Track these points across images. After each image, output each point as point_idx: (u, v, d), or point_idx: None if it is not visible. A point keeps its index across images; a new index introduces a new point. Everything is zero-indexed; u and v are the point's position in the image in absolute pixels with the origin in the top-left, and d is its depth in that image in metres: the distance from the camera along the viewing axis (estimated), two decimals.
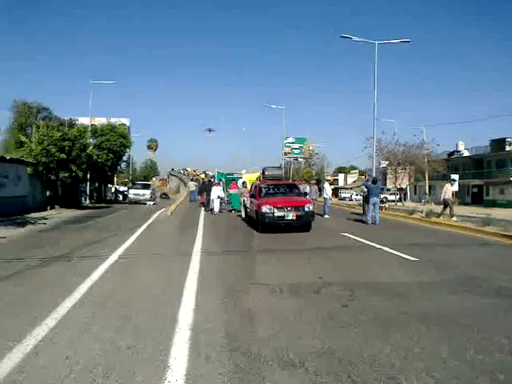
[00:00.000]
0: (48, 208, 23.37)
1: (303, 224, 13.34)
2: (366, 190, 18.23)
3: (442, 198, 18.69)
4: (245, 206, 17.33)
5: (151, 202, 33.85)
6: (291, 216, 12.95)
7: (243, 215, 17.90)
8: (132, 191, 37.61)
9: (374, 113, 27.27)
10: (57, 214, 20.70)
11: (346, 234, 12.85)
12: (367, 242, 11.09)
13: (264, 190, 15.06)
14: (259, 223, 13.50)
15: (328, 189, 20.82)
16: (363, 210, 19.19)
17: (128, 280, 6.89)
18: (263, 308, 5.28)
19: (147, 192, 36.52)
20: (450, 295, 6.00)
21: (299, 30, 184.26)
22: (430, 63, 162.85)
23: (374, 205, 16.84)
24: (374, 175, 22.85)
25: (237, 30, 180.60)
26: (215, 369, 3.55)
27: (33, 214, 19.36)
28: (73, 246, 10.21)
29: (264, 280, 6.84)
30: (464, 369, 3.57)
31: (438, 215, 18.22)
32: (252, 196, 15.30)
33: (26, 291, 6.08)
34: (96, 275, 7.06)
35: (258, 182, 16.27)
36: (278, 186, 15.63)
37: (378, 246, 10.39)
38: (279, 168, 22.79)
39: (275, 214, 12.91)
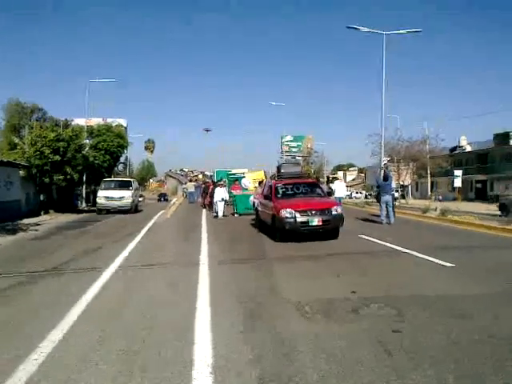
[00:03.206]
0: (42, 213, 22.30)
1: (331, 230, 11.35)
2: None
3: None
4: (256, 209, 15.27)
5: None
6: (316, 221, 10.93)
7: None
8: (103, 193, 23.83)
9: (382, 108, 25.97)
10: (51, 219, 19.67)
11: (363, 237, 11.82)
12: (392, 246, 10.06)
13: (281, 191, 12.87)
14: (277, 230, 11.46)
15: (339, 187, 19.30)
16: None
17: (129, 299, 5.85)
18: (297, 337, 4.25)
19: (127, 194, 23.83)
20: None
21: (300, 24, 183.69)
22: (435, 56, 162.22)
23: (386, 203, 15.83)
24: (384, 172, 21.82)
25: (235, 28, 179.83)
26: None
27: (25, 220, 18.30)
28: (67, 257, 9.20)
29: (288, 295, 5.82)
30: None
31: None
32: (266, 198, 13.30)
33: (7, 317, 5.07)
34: (91, 293, 6.05)
35: (273, 181, 14.01)
36: (297, 185, 13.26)
37: (404, 250, 9.37)
38: (297, 164, 20.59)
39: (297, 220, 10.89)
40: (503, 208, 21.49)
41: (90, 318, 4.98)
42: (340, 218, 11.42)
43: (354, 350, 3.89)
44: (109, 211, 22.97)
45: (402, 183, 47.17)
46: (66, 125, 32.49)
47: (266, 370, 3.51)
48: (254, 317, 4.93)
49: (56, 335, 4.39)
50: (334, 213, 11.22)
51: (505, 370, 3.44)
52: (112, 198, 23.34)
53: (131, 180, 27.81)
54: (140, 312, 5.21)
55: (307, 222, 10.95)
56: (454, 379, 3.30)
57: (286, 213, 11.01)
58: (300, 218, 10.94)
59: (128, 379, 3.41)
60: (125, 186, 24.83)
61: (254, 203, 16.29)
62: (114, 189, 24.10)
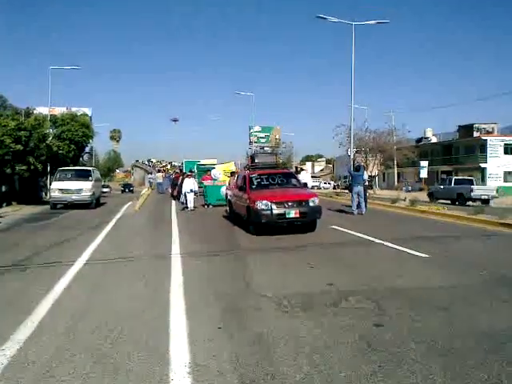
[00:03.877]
0: (4, 205, 21.50)
1: (309, 223, 11.05)
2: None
3: None
4: (229, 201, 14.74)
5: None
6: (293, 213, 10.50)
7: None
8: (57, 185, 20.35)
9: (351, 98, 26.32)
10: (14, 211, 18.94)
11: (335, 227, 11.81)
12: (364, 237, 10.07)
13: (256, 182, 12.28)
14: (252, 223, 11.02)
15: (306, 179, 19.15)
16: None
17: (98, 296, 5.58)
18: (277, 333, 4.09)
19: (86, 185, 20.34)
20: (502, 303, 5.00)
21: (267, 13, 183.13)
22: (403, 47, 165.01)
23: (357, 193, 15.90)
24: (353, 162, 21.97)
25: (203, 15, 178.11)
26: None
27: None
28: (31, 250, 8.81)
29: (265, 290, 5.65)
30: None
31: None
32: (240, 189, 12.72)
33: None
34: (58, 290, 5.75)
35: (247, 171, 13.48)
36: (272, 175, 12.65)
37: (377, 241, 9.38)
38: (272, 154, 20.01)
39: (274, 212, 10.46)
40: (430, 195, 27.18)
41: (58, 316, 4.70)
42: (318, 210, 11.03)
43: (336, 346, 3.77)
44: (66, 205, 20.03)
45: (369, 174, 47.73)
46: (28, 113, 31.39)
47: (247, 369, 3.34)
48: (232, 312, 4.76)
49: (22, 334, 4.12)
50: (311, 204, 10.85)
51: (488, 363, 3.38)
52: (68, 191, 19.96)
53: (91, 169, 23.99)
54: (111, 309, 4.96)
55: (284, 214, 10.54)
56: (439, 374, 3.21)
57: (261, 204, 10.56)
58: (276, 210, 10.53)
59: (100, 380, 3.19)
60: (83, 176, 21.47)
61: (226, 194, 15.96)
62: (70, 179, 20.86)
